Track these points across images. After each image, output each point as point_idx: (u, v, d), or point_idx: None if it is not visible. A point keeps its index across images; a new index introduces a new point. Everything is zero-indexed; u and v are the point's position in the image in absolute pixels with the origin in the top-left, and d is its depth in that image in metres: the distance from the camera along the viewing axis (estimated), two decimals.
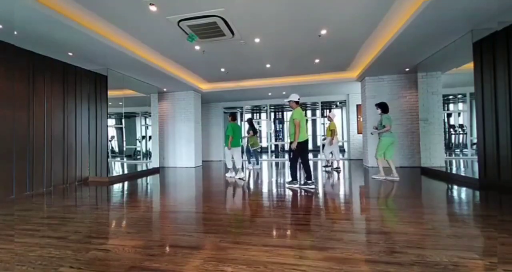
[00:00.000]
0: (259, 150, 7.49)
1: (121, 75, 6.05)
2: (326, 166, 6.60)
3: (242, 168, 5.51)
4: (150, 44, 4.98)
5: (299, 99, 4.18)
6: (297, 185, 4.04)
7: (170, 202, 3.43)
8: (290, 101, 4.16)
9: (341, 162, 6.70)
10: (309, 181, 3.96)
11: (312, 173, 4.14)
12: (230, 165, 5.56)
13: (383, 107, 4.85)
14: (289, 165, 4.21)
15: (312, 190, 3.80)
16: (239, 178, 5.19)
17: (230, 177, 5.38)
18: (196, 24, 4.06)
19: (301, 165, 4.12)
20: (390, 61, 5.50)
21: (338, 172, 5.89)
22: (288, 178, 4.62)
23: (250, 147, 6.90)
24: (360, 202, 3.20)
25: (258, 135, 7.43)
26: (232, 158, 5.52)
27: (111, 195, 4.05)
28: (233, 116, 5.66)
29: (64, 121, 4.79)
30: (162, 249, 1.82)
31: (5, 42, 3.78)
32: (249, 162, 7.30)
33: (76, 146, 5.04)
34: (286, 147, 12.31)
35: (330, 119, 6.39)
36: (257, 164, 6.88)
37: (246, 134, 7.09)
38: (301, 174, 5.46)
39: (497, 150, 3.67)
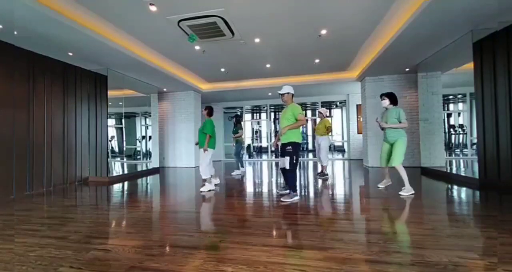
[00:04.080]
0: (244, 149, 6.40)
1: (121, 75, 6.05)
2: (323, 174, 5.15)
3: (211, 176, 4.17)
4: (150, 44, 4.98)
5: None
6: (297, 198, 3.25)
7: (170, 202, 3.43)
8: (287, 93, 3.43)
9: (329, 168, 5.27)
10: (293, 192, 3.25)
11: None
12: (207, 174, 4.03)
13: (393, 98, 3.72)
14: (288, 172, 3.28)
15: (296, 202, 3.14)
16: (210, 190, 3.97)
17: (207, 190, 3.96)
18: (196, 24, 4.06)
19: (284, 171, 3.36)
20: (390, 61, 5.49)
21: (326, 180, 4.80)
22: (281, 189, 3.71)
23: (238, 146, 5.96)
24: (360, 202, 3.21)
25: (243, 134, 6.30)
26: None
27: (111, 195, 4.05)
28: (209, 110, 4.32)
29: (64, 121, 4.78)
30: (162, 249, 1.82)
31: (5, 42, 3.78)
32: (242, 166, 6.10)
33: (76, 146, 5.03)
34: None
35: (322, 115, 5.29)
36: (242, 166, 6.02)
37: (233, 135, 6.05)
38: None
39: (497, 150, 3.67)
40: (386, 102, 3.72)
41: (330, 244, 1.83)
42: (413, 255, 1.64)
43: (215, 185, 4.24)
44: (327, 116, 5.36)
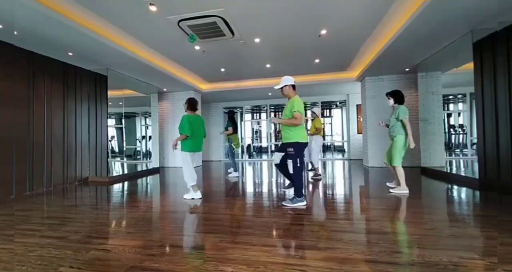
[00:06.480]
0: (238, 152, 5.60)
1: (121, 75, 6.05)
2: (316, 175, 5.03)
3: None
4: (150, 44, 4.98)
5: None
6: (304, 203, 2.94)
7: (170, 202, 3.43)
8: (285, 86, 2.95)
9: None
10: (298, 198, 2.96)
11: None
12: (192, 182, 3.42)
13: (397, 96, 3.62)
14: (294, 176, 2.97)
15: (301, 208, 2.87)
16: (193, 198, 3.43)
17: (190, 198, 3.44)
18: (196, 24, 4.06)
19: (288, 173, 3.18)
20: (390, 61, 5.49)
21: (319, 180, 4.77)
22: (287, 193, 3.54)
23: (232, 149, 5.58)
24: (360, 202, 3.20)
25: (240, 132, 5.58)
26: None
27: (111, 195, 4.05)
28: (191, 103, 3.51)
29: (64, 121, 4.78)
30: (162, 249, 1.82)
31: (5, 42, 3.78)
32: (235, 170, 5.61)
33: (76, 146, 5.03)
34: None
35: (315, 115, 5.29)
36: (235, 170, 5.57)
37: (224, 131, 5.70)
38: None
39: (497, 150, 3.67)
40: (391, 101, 3.68)
41: (330, 244, 1.83)
42: (413, 255, 1.64)
43: (193, 198, 3.44)
44: (316, 116, 5.38)
